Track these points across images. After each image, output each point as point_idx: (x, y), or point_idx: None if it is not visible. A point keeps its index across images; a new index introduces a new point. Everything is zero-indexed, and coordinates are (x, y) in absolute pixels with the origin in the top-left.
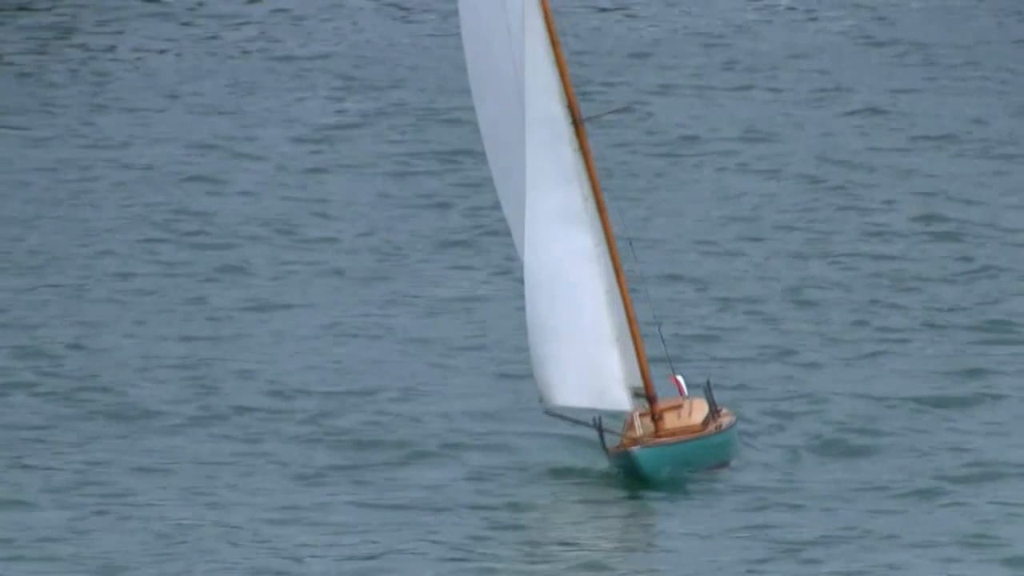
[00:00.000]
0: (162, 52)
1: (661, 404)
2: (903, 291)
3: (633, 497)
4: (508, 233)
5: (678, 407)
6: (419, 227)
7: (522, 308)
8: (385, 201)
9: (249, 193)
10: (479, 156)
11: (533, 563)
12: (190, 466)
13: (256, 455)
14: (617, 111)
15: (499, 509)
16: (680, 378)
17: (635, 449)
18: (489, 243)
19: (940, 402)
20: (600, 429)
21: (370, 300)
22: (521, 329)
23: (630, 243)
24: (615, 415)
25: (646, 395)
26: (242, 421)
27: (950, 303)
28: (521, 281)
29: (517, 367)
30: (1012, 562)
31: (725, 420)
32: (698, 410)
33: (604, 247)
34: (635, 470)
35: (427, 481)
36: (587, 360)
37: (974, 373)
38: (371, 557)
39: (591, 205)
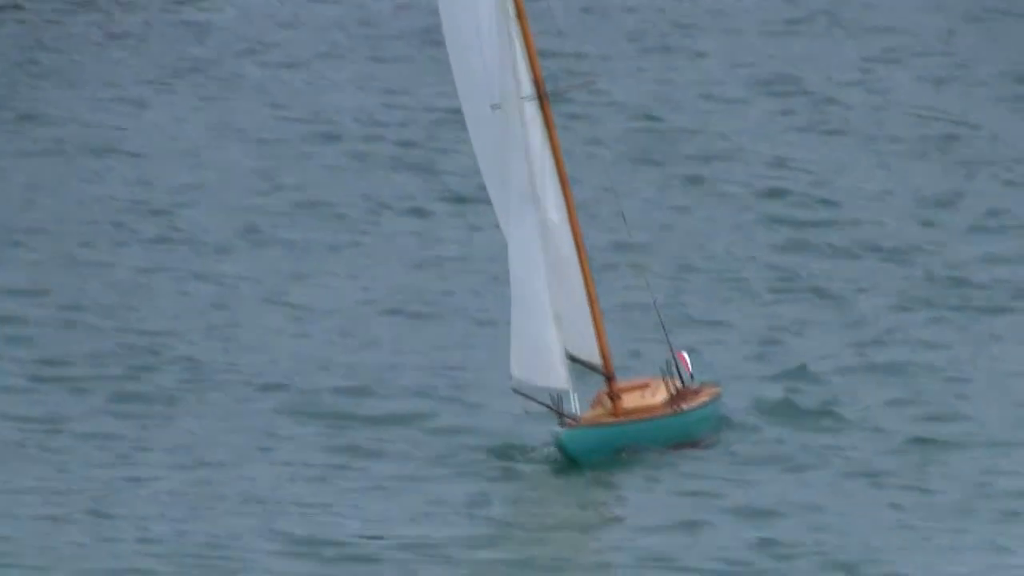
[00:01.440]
0: (132, 30)
1: (625, 383)
2: (868, 261)
3: (594, 468)
4: (473, 200)
5: (642, 387)
6: (385, 192)
7: (482, 276)
8: (348, 168)
9: (216, 162)
10: (445, 124)
11: (490, 528)
12: (167, 436)
13: (228, 422)
14: (581, 85)
15: (466, 477)
16: (686, 354)
17: (558, 431)
18: (456, 210)
19: (900, 369)
20: (558, 410)
21: (336, 267)
22: (482, 297)
23: (623, 218)
24: (560, 392)
25: (604, 374)
26: (213, 390)
27: (914, 274)
28: (478, 251)
29: (484, 335)
30: (975, 539)
31: (698, 400)
32: (663, 390)
33: (563, 221)
34: (561, 451)
35: (394, 448)
36: (532, 335)
37: (941, 344)
38: (334, 519)
39: (550, 179)
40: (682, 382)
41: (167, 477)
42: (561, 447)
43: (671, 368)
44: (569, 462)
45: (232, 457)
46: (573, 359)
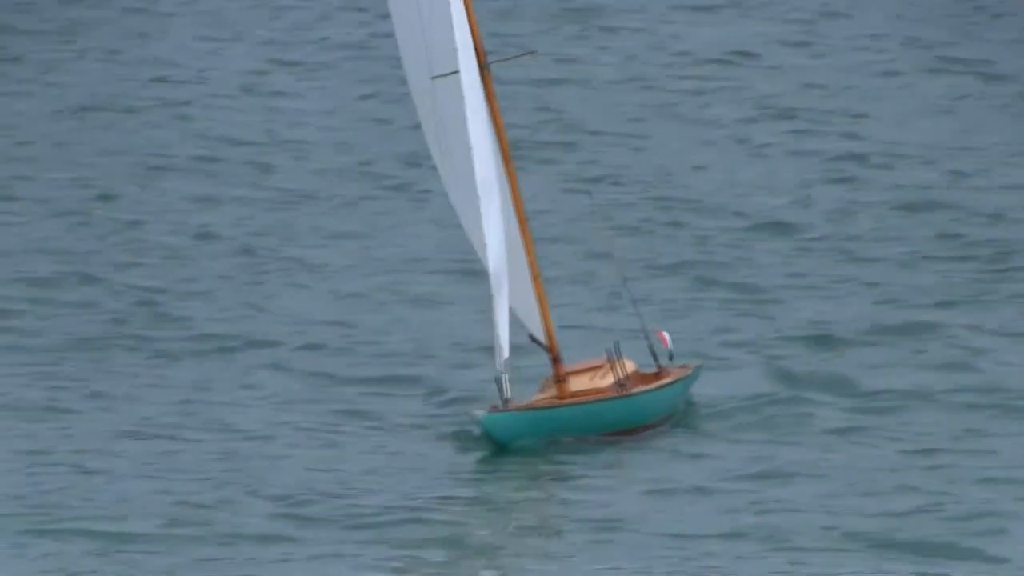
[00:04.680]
0: None
1: (577, 366)
2: (821, 226)
3: (550, 450)
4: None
5: (594, 369)
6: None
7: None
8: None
9: (205, 118)
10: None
11: (445, 503)
12: (168, 391)
13: (211, 382)
14: (522, 55)
15: (450, 443)
16: (666, 334)
17: (479, 413)
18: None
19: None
20: (499, 385)
21: (335, 236)
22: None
23: (590, 195)
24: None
25: (550, 355)
26: (198, 350)
27: (857, 233)
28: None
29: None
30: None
31: (654, 382)
32: (613, 373)
33: (506, 196)
34: (486, 436)
35: (390, 412)
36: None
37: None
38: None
39: (488, 151)
40: (656, 363)
41: (154, 436)
42: (484, 431)
43: (619, 350)
44: (497, 447)
45: (205, 411)
46: (534, 340)
